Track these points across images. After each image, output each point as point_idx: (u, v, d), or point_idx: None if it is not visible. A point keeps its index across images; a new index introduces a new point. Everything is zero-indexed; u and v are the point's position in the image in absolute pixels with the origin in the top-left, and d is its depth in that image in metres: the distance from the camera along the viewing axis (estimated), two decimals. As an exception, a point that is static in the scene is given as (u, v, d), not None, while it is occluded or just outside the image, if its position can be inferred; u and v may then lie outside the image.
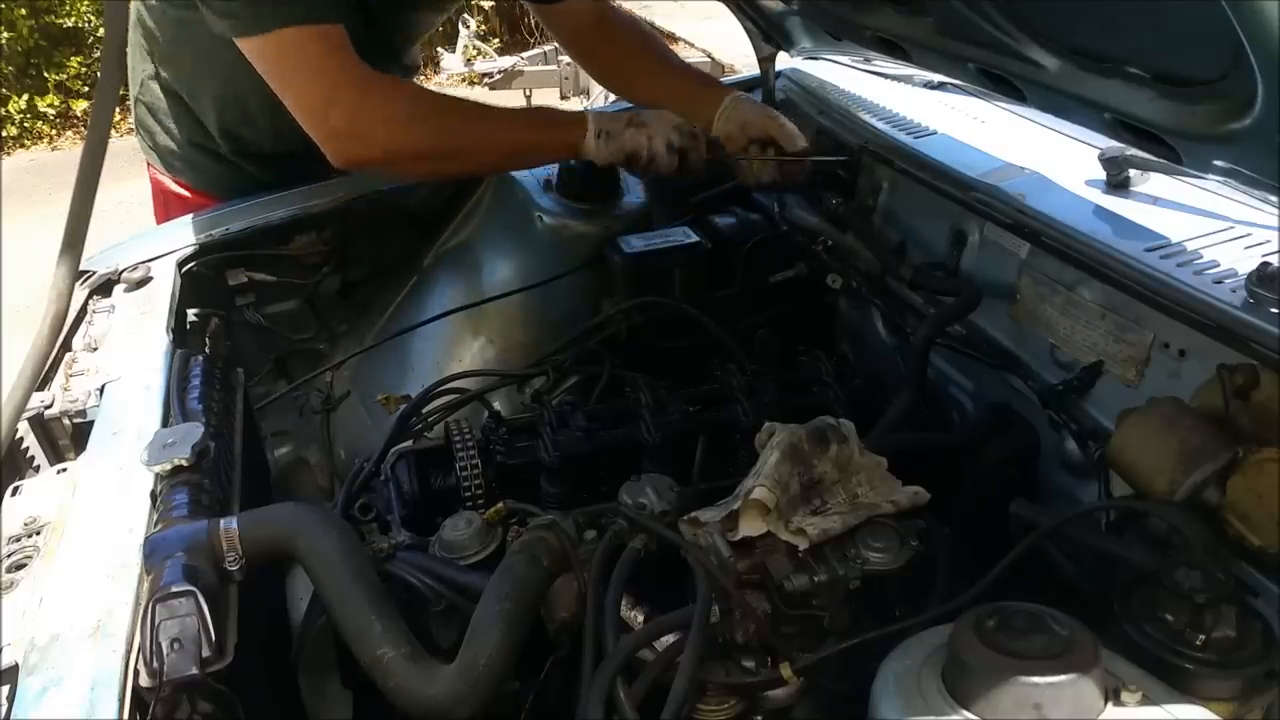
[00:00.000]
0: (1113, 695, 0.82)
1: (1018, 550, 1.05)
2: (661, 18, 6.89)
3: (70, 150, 7.66)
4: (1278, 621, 0.97)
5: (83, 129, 7.69)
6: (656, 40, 2.16)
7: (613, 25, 2.05)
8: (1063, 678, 0.80)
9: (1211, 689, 0.92)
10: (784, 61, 2.24)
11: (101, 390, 1.37)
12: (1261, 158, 1.07)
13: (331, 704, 1.34)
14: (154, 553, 0.99)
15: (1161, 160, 1.26)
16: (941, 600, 1.05)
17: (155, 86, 2.03)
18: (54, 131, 7.93)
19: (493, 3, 8.80)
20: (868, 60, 2.15)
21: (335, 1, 1.60)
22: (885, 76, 2.13)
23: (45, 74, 7.82)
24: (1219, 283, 1.21)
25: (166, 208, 2.13)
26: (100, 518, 1.12)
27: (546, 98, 5.65)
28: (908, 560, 1.07)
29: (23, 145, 7.77)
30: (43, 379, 1.40)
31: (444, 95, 1.96)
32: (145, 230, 1.94)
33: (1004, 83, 1.40)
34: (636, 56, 2.05)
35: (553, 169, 1.91)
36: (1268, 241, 1.30)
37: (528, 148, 1.78)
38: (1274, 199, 1.25)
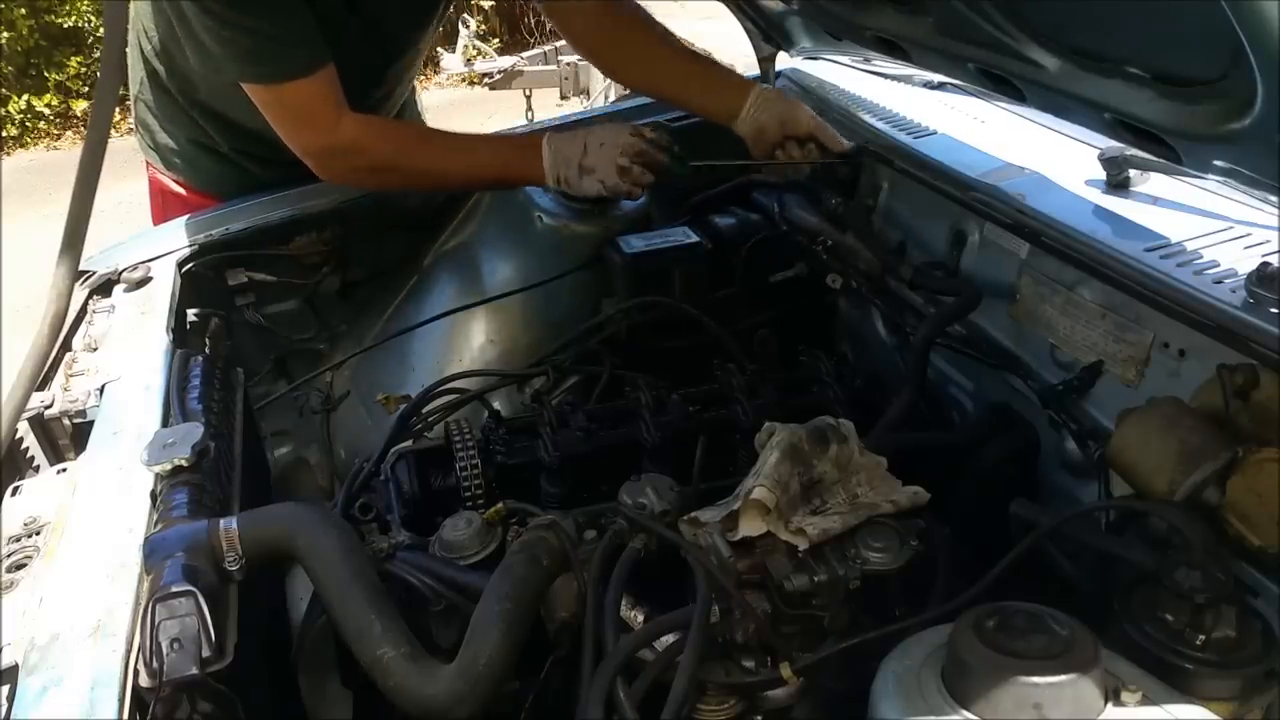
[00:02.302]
0: (1113, 695, 0.82)
1: (1018, 550, 1.05)
2: (661, 18, 6.85)
3: (70, 150, 7.66)
4: (1278, 621, 0.97)
5: (82, 129, 7.69)
6: (668, 31, 2.07)
7: (622, 18, 1.98)
8: (1063, 678, 0.80)
9: (1211, 689, 0.92)
10: (784, 61, 2.24)
11: (101, 390, 1.38)
12: (1261, 158, 1.07)
13: (331, 704, 1.34)
14: (154, 553, 0.99)
15: (1161, 160, 1.26)
16: (941, 600, 1.05)
17: (153, 85, 2.03)
18: (54, 131, 7.93)
19: (493, 3, 8.80)
20: (868, 60, 2.15)
21: (312, 47, 1.66)
22: (885, 76, 2.13)
23: (45, 74, 7.82)
24: (1219, 283, 1.21)
25: (165, 207, 2.13)
26: (100, 518, 1.12)
27: (546, 98, 5.64)
28: (908, 560, 1.07)
29: (23, 145, 7.77)
30: (43, 379, 1.40)
31: (415, 136, 2.00)
32: (145, 230, 1.95)
33: (1004, 83, 1.40)
34: (652, 48, 1.98)
35: None
36: (1268, 241, 1.30)
37: (493, 178, 1.88)
38: (1274, 199, 1.25)
